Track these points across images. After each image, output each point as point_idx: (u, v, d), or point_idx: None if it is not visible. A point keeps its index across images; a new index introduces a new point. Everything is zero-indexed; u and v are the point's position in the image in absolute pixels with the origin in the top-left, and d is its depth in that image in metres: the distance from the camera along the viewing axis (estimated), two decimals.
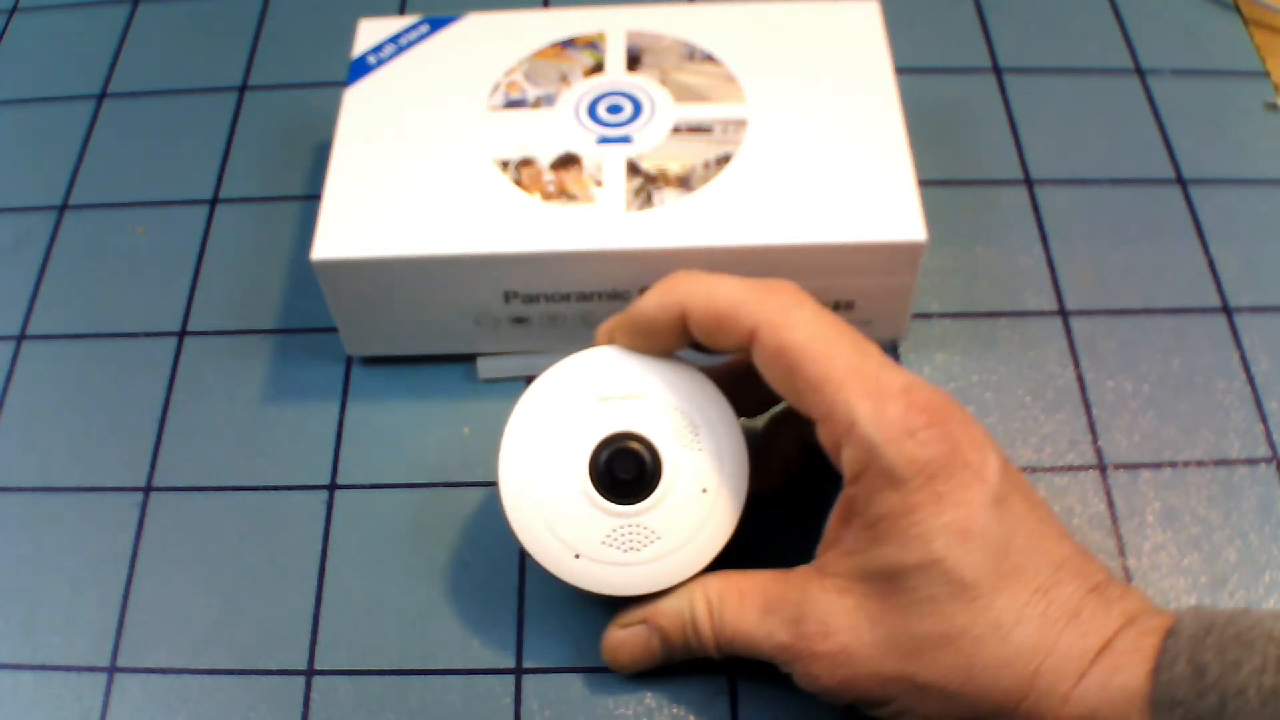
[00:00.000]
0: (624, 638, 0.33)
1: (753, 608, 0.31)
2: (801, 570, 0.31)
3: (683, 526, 0.32)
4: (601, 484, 0.32)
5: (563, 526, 0.32)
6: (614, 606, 0.33)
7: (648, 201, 0.38)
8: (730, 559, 0.32)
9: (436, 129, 0.41)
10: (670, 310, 0.32)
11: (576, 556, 0.32)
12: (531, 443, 0.33)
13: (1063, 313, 0.42)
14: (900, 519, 0.28)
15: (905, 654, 0.29)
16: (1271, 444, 0.39)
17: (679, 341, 0.32)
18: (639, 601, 0.33)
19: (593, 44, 0.43)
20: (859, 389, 0.29)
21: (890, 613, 0.29)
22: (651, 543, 0.32)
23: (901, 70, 0.42)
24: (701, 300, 0.31)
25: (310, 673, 0.35)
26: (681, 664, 0.34)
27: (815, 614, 0.30)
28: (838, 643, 0.29)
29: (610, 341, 0.34)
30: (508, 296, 0.39)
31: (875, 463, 0.28)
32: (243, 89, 0.51)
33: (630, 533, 0.31)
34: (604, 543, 0.32)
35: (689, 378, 0.33)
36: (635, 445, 0.32)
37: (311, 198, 0.46)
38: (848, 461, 0.29)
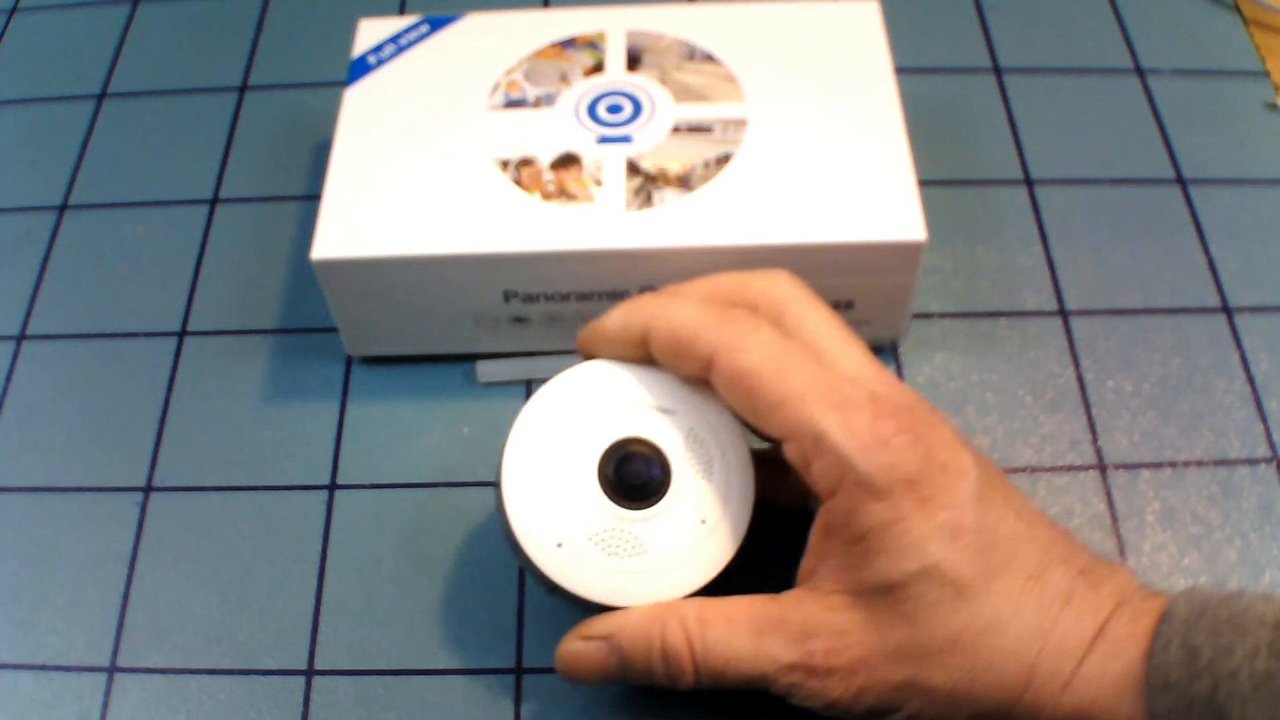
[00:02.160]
0: (581, 651, 0.32)
1: (744, 632, 0.30)
2: (793, 593, 0.30)
3: (674, 549, 0.31)
4: (606, 481, 0.31)
5: (555, 511, 0.31)
6: (578, 617, 0.32)
7: (648, 201, 0.38)
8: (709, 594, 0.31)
9: (436, 129, 0.41)
10: (632, 332, 0.32)
11: (559, 545, 0.31)
12: (549, 427, 0.32)
13: (1063, 313, 0.42)
14: (890, 528, 0.28)
15: (914, 661, 0.28)
16: (1271, 444, 0.39)
17: (644, 359, 0.32)
18: (605, 614, 0.32)
19: (593, 44, 0.43)
20: (823, 401, 0.29)
21: (897, 623, 0.28)
22: (639, 555, 0.31)
23: (901, 70, 0.42)
24: (662, 324, 0.31)
25: (310, 673, 0.35)
26: None
27: (824, 631, 0.29)
28: (853, 655, 0.29)
29: (589, 348, 0.33)
30: (508, 296, 0.39)
31: (850, 474, 0.28)
32: (243, 89, 0.51)
33: (620, 537, 0.31)
34: (591, 539, 0.31)
35: (718, 412, 0.33)
36: (651, 455, 0.32)
37: (311, 198, 0.46)
38: (819, 476, 0.29)
